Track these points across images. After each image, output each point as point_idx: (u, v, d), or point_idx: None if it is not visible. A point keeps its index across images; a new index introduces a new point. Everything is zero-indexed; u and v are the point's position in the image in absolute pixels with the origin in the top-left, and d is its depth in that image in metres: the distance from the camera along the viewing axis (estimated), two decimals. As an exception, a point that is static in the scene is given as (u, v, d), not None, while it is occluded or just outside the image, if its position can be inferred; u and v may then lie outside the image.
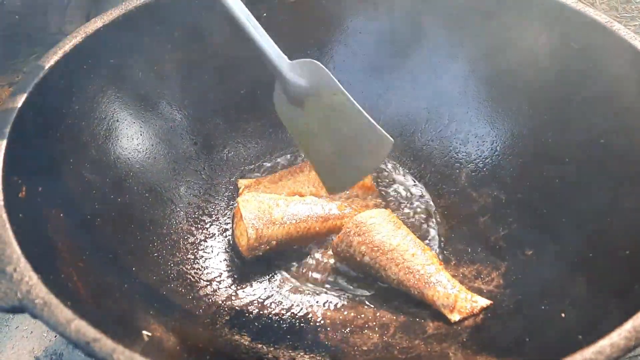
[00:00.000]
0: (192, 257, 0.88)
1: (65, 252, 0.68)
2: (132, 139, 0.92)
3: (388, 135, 0.78)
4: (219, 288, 0.85)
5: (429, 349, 0.75)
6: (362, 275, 0.88)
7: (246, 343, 0.76)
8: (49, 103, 0.78)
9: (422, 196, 1.00)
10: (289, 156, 1.07)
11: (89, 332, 0.50)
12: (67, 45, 0.82)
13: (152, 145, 0.94)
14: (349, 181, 0.85)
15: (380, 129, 0.78)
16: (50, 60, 0.79)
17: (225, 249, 0.92)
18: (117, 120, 0.90)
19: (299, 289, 0.87)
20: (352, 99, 0.79)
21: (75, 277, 0.66)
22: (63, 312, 0.52)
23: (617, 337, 0.52)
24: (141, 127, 0.93)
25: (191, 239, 0.91)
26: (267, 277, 0.88)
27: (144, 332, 0.65)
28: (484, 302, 0.81)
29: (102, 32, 0.86)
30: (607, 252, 0.74)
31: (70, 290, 0.62)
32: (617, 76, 0.83)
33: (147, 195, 0.90)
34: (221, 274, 0.87)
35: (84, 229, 0.76)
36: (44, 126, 0.76)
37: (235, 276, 0.88)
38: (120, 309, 0.68)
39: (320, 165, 0.82)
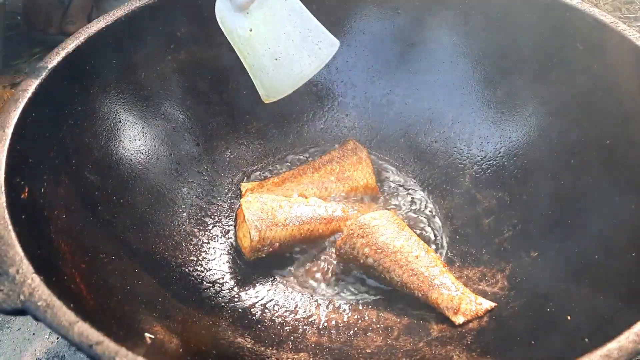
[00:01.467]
0: (195, 258, 0.88)
1: (67, 253, 0.68)
2: (135, 139, 0.91)
3: (334, 38, 0.86)
4: (221, 290, 0.84)
5: (433, 352, 0.75)
6: (365, 277, 0.88)
7: (249, 345, 0.75)
8: (52, 104, 0.78)
9: (425, 197, 1.00)
10: (292, 157, 1.07)
11: (92, 334, 0.50)
12: (70, 45, 0.82)
13: (155, 146, 0.94)
14: (290, 85, 0.89)
15: (328, 32, 0.86)
16: (53, 60, 0.79)
17: (228, 250, 0.91)
18: (120, 121, 0.89)
19: (302, 291, 0.86)
20: (302, 4, 0.85)
21: (77, 278, 0.65)
22: (66, 315, 0.52)
23: (626, 340, 0.51)
24: (143, 127, 0.93)
25: (194, 241, 0.90)
26: (270, 279, 0.88)
27: (147, 334, 0.64)
28: (488, 304, 0.80)
29: (105, 33, 0.86)
30: (613, 254, 0.73)
31: (73, 292, 0.62)
32: (623, 77, 0.82)
33: (149, 196, 0.89)
34: (224, 275, 0.87)
35: (86, 230, 0.75)
36: (46, 127, 0.76)
37: (238, 278, 0.87)
38: (123, 311, 0.68)
39: (259, 72, 0.87)
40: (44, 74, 0.76)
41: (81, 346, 0.49)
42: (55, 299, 0.53)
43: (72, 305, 0.54)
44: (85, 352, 0.50)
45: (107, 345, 0.49)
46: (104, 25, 0.86)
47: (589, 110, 0.86)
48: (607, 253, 0.75)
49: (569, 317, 0.70)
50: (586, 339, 0.61)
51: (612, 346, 0.51)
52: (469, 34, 1.00)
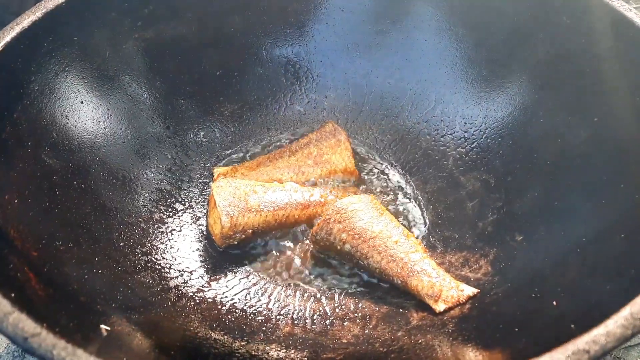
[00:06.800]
0: (163, 246, 0.83)
1: (17, 240, 0.63)
2: (99, 122, 0.86)
3: None
4: (190, 279, 0.80)
5: (412, 341, 0.70)
6: (343, 264, 0.84)
7: (217, 337, 0.71)
8: (4, 83, 0.73)
9: (407, 181, 0.96)
10: (268, 141, 1.02)
11: (28, 326, 0.45)
12: (25, 21, 0.77)
13: (121, 128, 0.89)
14: None
15: None
16: (6, 37, 0.74)
17: (199, 238, 0.86)
18: (82, 102, 0.84)
19: (276, 280, 0.82)
20: None
21: (26, 267, 0.60)
22: (1, 305, 0.47)
23: (613, 325, 0.47)
24: (108, 109, 0.88)
25: (162, 228, 0.86)
26: (243, 267, 0.83)
27: (102, 326, 0.59)
28: (470, 290, 0.76)
29: (65, 8, 0.80)
30: (601, 235, 0.69)
31: (19, 282, 0.57)
32: (612, 51, 0.78)
33: (114, 181, 0.84)
34: (193, 264, 0.82)
35: (41, 217, 0.70)
36: (-2, 107, 0.71)
37: (208, 266, 0.82)
38: (77, 302, 0.63)
39: None
40: (-5, 51, 0.71)
41: (15, 339, 0.45)
42: (-10, 287, 0.48)
43: (13, 295, 0.50)
44: (20, 346, 0.45)
45: (44, 337, 0.45)
46: (63, 0, 0.80)
47: (576, 87, 0.82)
48: (595, 235, 0.71)
49: (554, 303, 0.65)
50: (572, 325, 0.57)
51: (599, 331, 0.47)
52: (451, 10, 0.95)
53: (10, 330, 0.45)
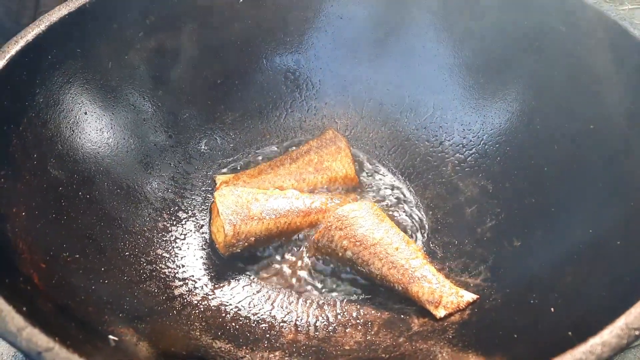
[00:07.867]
0: (167, 255, 0.84)
1: (26, 253, 0.64)
2: (102, 132, 0.87)
3: None
4: (194, 287, 0.81)
5: (414, 347, 0.72)
6: (344, 271, 0.85)
7: (222, 345, 0.72)
8: (10, 96, 0.73)
9: (406, 187, 0.97)
10: (269, 149, 1.03)
11: (42, 340, 0.46)
12: (30, 34, 0.77)
13: (124, 138, 0.90)
14: None
15: None
16: (11, 50, 0.75)
17: (202, 246, 0.88)
18: (86, 113, 0.85)
19: (279, 288, 0.83)
20: None
21: (35, 279, 0.61)
22: (14, 319, 0.48)
23: (609, 335, 0.49)
24: (112, 119, 0.89)
25: (166, 237, 0.87)
26: (246, 275, 0.85)
27: (111, 336, 0.61)
28: (470, 296, 0.77)
29: (68, 20, 0.81)
30: (597, 242, 0.71)
31: (29, 294, 0.58)
32: (607, 59, 0.80)
33: (118, 191, 0.86)
34: (197, 272, 0.83)
35: (48, 228, 0.71)
36: (4, 120, 0.72)
37: (211, 274, 0.84)
38: (86, 313, 0.64)
39: None
40: (1, 64, 0.72)
41: (29, 353, 0.46)
42: (3, 302, 0.49)
43: (25, 309, 0.51)
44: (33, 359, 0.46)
45: (58, 352, 0.46)
46: (66, 13, 0.81)
47: (573, 94, 0.84)
48: (591, 242, 0.72)
49: (552, 309, 0.67)
50: (570, 332, 0.59)
51: (595, 341, 0.48)
52: (449, 18, 0.96)
53: (24, 345, 0.46)
